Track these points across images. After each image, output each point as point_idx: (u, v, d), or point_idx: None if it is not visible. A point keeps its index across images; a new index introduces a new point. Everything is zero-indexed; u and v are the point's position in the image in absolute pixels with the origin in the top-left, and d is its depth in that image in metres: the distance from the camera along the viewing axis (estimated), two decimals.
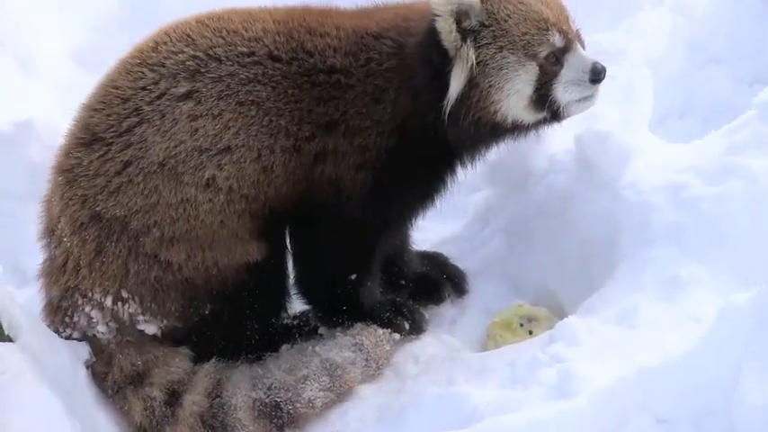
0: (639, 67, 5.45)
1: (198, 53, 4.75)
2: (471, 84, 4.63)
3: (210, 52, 4.75)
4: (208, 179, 4.67)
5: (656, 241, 4.74)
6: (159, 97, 4.70)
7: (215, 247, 4.73)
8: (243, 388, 4.68)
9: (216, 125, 4.69)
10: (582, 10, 4.84)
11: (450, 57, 4.62)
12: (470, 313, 5.25)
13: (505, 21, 4.63)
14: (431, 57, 4.65)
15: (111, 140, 4.70)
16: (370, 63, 4.77)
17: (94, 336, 4.75)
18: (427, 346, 5.03)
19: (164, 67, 4.75)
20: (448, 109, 4.65)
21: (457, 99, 4.64)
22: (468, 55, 4.59)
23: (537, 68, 4.65)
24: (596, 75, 4.67)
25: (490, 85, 4.63)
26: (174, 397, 4.66)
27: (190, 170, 4.67)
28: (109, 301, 4.70)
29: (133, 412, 4.65)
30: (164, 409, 4.64)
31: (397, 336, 4.99)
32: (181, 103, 4.69)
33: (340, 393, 4.75)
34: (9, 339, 4.36)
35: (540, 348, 4.55)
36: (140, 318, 4.73)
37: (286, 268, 4.96)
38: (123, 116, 4.71)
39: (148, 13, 6.61)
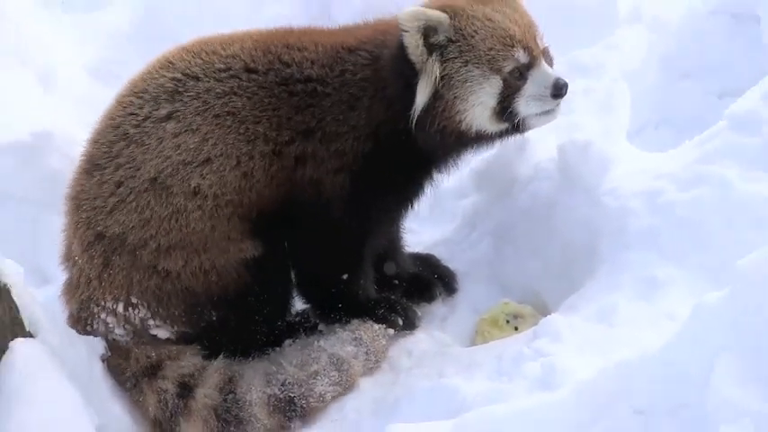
0: (617, 81, 5.46)
1: (176, 74, 4.77)
2: (437, 95, 4.61)
3: (188, 72, 4.77)
4: (194, 188, 4.67)
5: (633, 245, 4.74)
6: (144, 120, 4.73)
7: (209, 249, 4.72)
8: (257, 384, 4.68)
9: (195, 139, 4.68)
10: (563, 27, 4.86)
11: (417, 70, 4.62)
12: (460, 311, 5.27)
13: (472, 36, 4.60)
14: (402, 69, 4.64)
15: (105, 165, 4.74)
16: (345, 74, 4.76)
17: (114, 339, 4.78)
18: (420, 341, 5.04)
19: (147, 92, 4.77)
20: (415, 118, 4.63)
21: (424, 109, 4.62)
22: (433, 68, 4.59)
23: (501, 82, 4.61)
24: (558, 90, 4.61)
25: (455, 97, 4.61)
26: (185, 390, 4.65)
27: (177, 182, 4.67)
28: (120, 308, 4.74)
29: (147, 404, 4.65)
30: (176, 401, 4.63)
31: (391, 331, 4.99)
32: (164, 124, 4.70)
33: (347, 387, 4.76)
34: (30, 335, 4.39)
35: (525, 344, 4.56)
36: (151, 322, 4.76)
37: (287, 268, 4.94)
38: (114, 142, 4.75)
39: (157, 31, 6.61)
